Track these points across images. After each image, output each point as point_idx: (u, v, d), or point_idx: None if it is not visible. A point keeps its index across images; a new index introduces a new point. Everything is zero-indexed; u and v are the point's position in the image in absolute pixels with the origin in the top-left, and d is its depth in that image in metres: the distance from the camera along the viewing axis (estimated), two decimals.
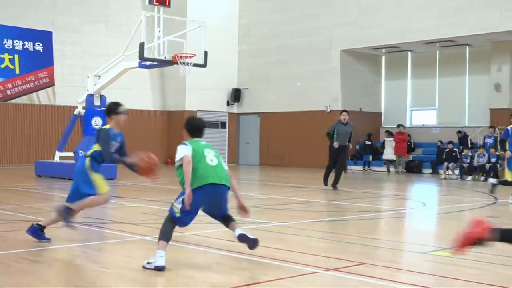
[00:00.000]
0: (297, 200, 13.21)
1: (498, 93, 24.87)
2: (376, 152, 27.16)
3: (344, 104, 27.68)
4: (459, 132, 24.83)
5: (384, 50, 27.84)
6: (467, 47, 26.33)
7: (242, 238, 6.27)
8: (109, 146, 7.23)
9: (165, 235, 6.01)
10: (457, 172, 22.56)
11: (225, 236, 7.74)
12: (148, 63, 18.31)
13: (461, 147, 23.52)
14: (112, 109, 7.39)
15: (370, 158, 27.15)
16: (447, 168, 22.84)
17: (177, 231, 8.24)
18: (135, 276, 5.79)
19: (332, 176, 16.05)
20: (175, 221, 6.11)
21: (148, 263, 5.89)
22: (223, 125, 31.00)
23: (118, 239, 7.59)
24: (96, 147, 7.29)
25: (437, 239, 8.72)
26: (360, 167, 27.07)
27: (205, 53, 18.79)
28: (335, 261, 6.36)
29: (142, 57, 17.62)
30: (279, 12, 29.83)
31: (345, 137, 16.02)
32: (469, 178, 21.68)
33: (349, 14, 27.16)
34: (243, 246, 7.01)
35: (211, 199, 6.12)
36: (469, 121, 26.36)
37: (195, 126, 6.34)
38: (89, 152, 7.33)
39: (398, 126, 26.39)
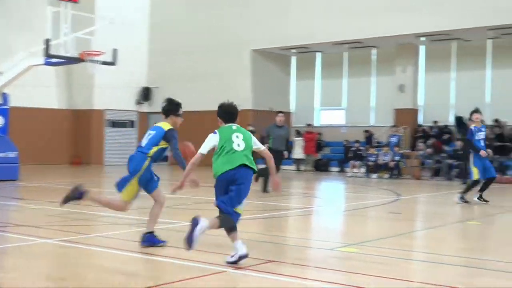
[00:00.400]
0: (208, 200, 13.14)
1: (402, 93, 25.81)
2: (287, 150, 27.49)
3: (254, 104, 27.96)
4: (366, 131, 25.59)
5: (294, 50, 28.27)
6: (374, 48, 27.16)
7: (193, 220, 5.95)
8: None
9: (228, 226, 6.14)
10: (363, 170, 23.22)
11: (134, 237, 7.62)
12: (54, 60, 17.74)
13: (367, 146, 24.25)
14: (173, 109, 7.25)
15: None
16: (354, 166, 23.49)
17: (84, 233, 8.04)
18: (38, 280, 5.59)
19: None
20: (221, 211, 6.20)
21: (231, 256, 6.03)
22: (132, 124, 30.52)
23: (20, 243, 7.30)
24: (162, 144, 7.09)
25: (343, 235, 8.93)
26: None
27: (114, 50, 18.42)
28: (244, 260, 6.37)
29: (47, 54, 17.05)
30: (190, 10, 29.68)
31: (281, 141, 15.13)
32: (374, 175, 22.37)
33: (260, 14, 27.37)
34: (151, 248, 6.92)
35: (230, 182, 6.17)
36: (376, 120, 27.21)
37: (226, 112, 6.56)
38: (150, 152, 7.08)
39: (308, 125, 26.90)
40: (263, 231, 8.63)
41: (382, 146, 23.67)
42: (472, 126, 12.75)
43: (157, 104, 30.74)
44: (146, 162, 7.05)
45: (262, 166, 12.24)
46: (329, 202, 14.50)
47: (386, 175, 22.19)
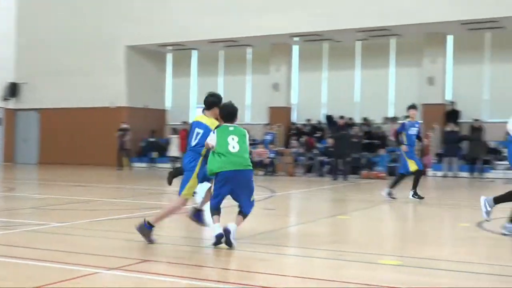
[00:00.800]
0: (79, 199, 12.75)
1: (276, 92, 26.34)
2: (161, 149, 27.26)
3: (129, 101, 27.50)
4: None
5: (169, 47, 28.05)
6: (249, 47, 27.51)
7: (225, 231, 6.90)
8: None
9: (213, 210, 7.07)
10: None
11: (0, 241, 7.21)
12: None
13: None
14: (217, 102, 7.34)
15: (155, 155, 27.19)
16: None
17: None
18: None
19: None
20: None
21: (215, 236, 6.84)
22: None
23: None
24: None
25: None
26: (145, 164, 26.98)
27: None
28: (117, 260, 6.21)
29: None
30: (63, 4, 28.64)
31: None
32: None
33: (134, 10, 26.93)
34: (18, 251, 6.61)
35: (232, 185, 6.94)
36: (251, 118, 27.57)
37: (226, 113, 7.06)
38: (203, 151, 7.19)
39: (183, 123, 26.79)
40: (136, 231, 8.44)
41: (257, 143, 24.01)
42: (406, 121, 12.84)
43: (25, 100, 29.39)
44: (200, 160, 7.24)
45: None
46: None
47: (261, 172, 22.54)
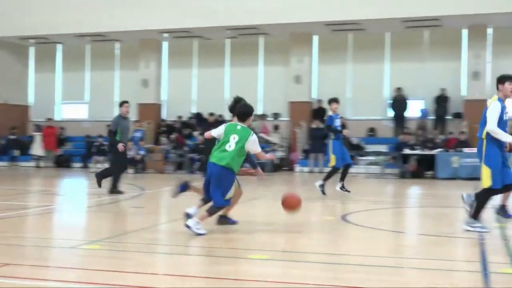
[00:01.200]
0: None
1: (146, 88, 26.02)
2: (24, 146, 26.03)
3: None
4: (109, 125, 25.24)
5: (32, 40, 26.85)
6: (118, 42, 26.95)
7: (186, 226, 7.43)
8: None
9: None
10: (107, 165, 22.85)
11: None
12: None
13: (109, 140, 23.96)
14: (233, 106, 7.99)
15: (17, 153, 25.92)
16: (97, 162, 23.07)
17: None
18: None
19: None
20: None
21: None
22: None
23: None
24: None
25: (86, 232, 8.69)
26: (6, 163, 25.66)
27: None
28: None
29: None
30: None
31: (127, 133, 13.98)
32: None
33: None
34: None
35: (209, 175, 7.48)
36: None
37: (238, 112, 7.59)
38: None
39: (48, 119, 25.79)
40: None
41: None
42: (331, 114, 12.86)
43: None
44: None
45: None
46: (71, 199, 14.02)
47: (131, 170, 22.14)
